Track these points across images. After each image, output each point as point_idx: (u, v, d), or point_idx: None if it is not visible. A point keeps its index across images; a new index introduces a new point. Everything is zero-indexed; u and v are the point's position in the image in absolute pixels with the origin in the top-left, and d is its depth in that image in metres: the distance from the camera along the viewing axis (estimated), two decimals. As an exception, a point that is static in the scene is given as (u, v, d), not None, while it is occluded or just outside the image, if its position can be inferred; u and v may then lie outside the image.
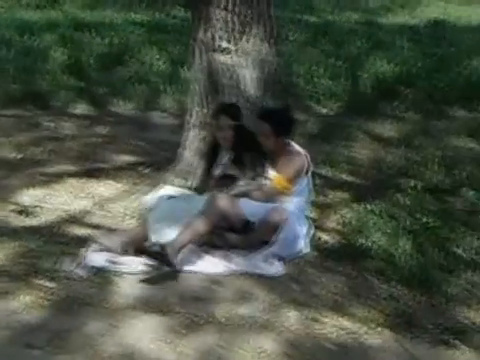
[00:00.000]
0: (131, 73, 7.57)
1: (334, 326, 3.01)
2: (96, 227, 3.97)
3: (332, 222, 4.13)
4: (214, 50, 4.16)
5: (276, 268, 3.50)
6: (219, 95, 4.20)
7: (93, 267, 3.39)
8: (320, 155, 4.97)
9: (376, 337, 2.94)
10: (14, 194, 4.40)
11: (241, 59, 4.14)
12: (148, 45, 8.55)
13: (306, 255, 3.66)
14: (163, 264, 3.34)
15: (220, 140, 3.90)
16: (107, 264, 3.43)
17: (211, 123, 4.13)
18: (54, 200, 4.37)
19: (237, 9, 4.09)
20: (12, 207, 4.15)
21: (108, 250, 3.53)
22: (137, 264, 3.45)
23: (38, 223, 4.01)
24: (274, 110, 3.97)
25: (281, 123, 3.78)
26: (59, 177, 4.72)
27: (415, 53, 8.25)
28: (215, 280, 3.38)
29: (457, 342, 2.91)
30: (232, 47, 4.13)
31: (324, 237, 3.90)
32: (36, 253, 3.56)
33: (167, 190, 3.81)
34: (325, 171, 4.91)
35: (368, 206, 4.16)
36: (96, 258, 3.46)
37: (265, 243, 3.59)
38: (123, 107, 6.80)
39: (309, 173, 3.85)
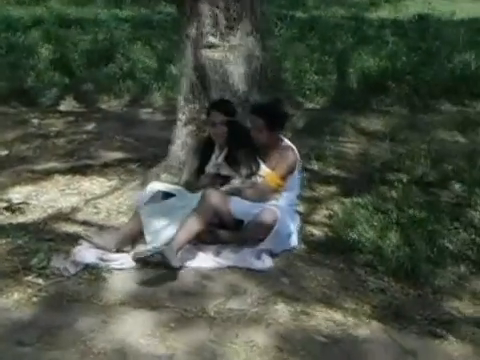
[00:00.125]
0: (117, 69, 7.55)
1: (323, 318, 3.03)
2: (84, 223, 3.96)
3: (320, 216, 4.15)
4: (202, 45, 4.16)
5: (266, 262, 3.52)
6: (207, 90, 4.21)
7: (83, 263, 3.38)
8: (307, 149, 4.99)
9: (365, 329, 2.97)
10: (1, 191, 4.38)
11: (228, 54, 4.15)
12: (134, 41, 8.54)
13: (295, 249, 3.68)
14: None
15: (213, 136, 3.87)
16: (97, 261, 3.42)
17: (200, 118, 4.13)
18: (41, 197, 4.36)
19: (224, 4, 4.10)
20: (-1, 204, 4.14)
21: (101, 248, 3.51)
22: (128, 260, 3.45)
23: (26, 220, 4.00)
24: (267, 105, 3.96)
25: (275, 117, 3.77)
26: (46, 174, 4.71)
27: (400, 48, 8.31)
28: (205, 275, 3.39)
29: (444, 332, 2.95)
30: (220, 42, 4.14)
31: (313, 231, 3.92)
32: (24, 250, 3.54)
33: (158, 186, 3.79)
34: (312, 165, 4.93)
35: (356, 199, 4.19)
36: (86, 255, 3.45)
37: (258, 240, 3.59)
38: (110, 103, 6.79)
39: (299, 168, 3.86)
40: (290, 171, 3.76)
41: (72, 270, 3.34)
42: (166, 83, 7.08)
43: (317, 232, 3.91)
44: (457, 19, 11.23)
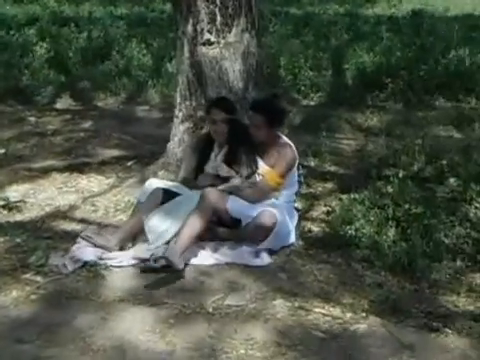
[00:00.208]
0: (113, 67, 7.54)
1: (321, 313, 3.05)
2: (82, 221, 3.97)
3: (318, 212, 4.16)
4: (198, 42, 4.16)
5: (264, 260, 3.52)
6: (203, 87, 4.21)
7: (81, 261, 3.39)
8: (304, 146, 5.00)
9: (363, 323, 2.98)
10: (-2, 189, 4.38)
11: (224, 51, 4.15)
12: (129, 38, 8.53)
13: (293, 245, 3.70)
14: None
15: (214, 134, 3.83)
16: (96, 259, 3.43)
17: (196, 115, 4.13)
18: (39, 195, 4.36)
19: (220, 1, 4.10)
20: (-3, 203, 4.14)
21: (101, 247, 3.51)
22: (126, 258, 3.45)
23: (23, 218, 4.00)
24: (267, 101, 3.93)
25: (274, 114, 3.75)
26: (44, 172, 4.71)
27: (395, 43, 8.32)
28: (203, 271, 3.40)
29: (441, 326, 2.96)
30: (216, 39, 4.14)
31: (310, 227, 3.93)
32: (22, 248, 3.55)
33: (156, 183, 3.77)
34: (309, 162, 4.94)
35: (353, 195, 4.20)
36: (85, 252, 3.45)
37: (258, 240, 3.59)
38: (106, 101, 6.79)
39: (297, 165, 3.86)
40: (289, 169, 3.75)
41: (70, 267, 3.35)
42: (162, 80, 7.08)
43: (315, 228, 3.93)
44: (451, 15, 11.25)
